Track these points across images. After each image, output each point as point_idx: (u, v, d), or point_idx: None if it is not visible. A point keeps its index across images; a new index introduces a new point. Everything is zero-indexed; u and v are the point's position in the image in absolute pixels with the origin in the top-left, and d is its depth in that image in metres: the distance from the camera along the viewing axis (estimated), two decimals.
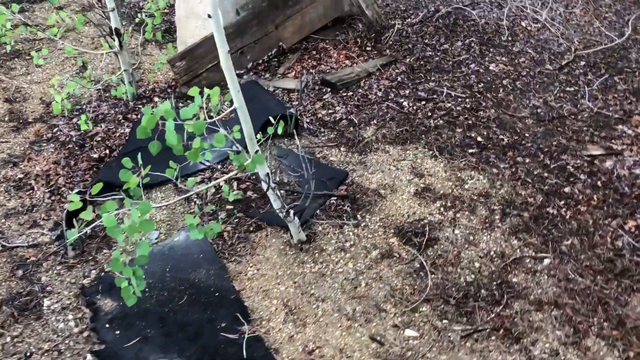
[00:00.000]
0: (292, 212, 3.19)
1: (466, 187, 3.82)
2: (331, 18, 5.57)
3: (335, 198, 3.68)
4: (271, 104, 4.32)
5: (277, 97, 4.62)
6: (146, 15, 4.80)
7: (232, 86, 2.72)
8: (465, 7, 6.08)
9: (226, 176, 3.11)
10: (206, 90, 2.55)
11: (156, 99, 4.65)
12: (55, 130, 4.37)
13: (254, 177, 3.76)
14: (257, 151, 2.88)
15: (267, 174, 3.01)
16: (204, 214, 3.54)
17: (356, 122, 4.42)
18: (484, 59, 5.36)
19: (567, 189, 3.80)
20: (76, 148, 4.15)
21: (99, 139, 4.22)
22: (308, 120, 4.41)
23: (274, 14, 5.06)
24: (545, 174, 3.94)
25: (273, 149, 4.08)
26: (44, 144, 4.25)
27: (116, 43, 4.17)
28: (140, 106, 4.54)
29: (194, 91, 2.41)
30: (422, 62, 5.25)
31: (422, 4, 6.19)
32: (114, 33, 4.13)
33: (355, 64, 5.09)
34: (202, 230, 2.62)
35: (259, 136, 3.39)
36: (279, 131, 3.10)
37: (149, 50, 5.50)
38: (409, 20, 5.90)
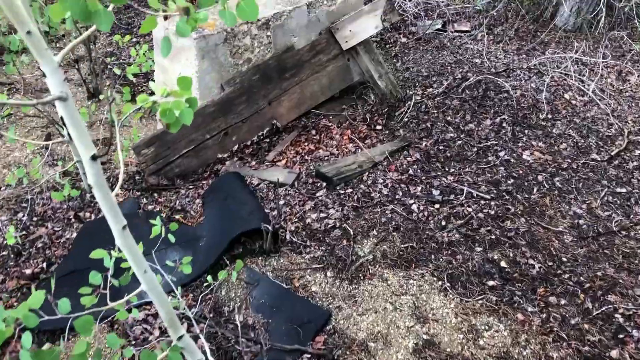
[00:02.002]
0: None
1: (481, 342, 2.95)
2: (337, 90, 4.80)
3: (309, 356, 2.86)
4: (247, 208, 3.55)
5: (258, 198, 3.85)
6: (114, 85, 4.12)
7: (136, 267, 1.95)
8: (498, 76, 5.22)
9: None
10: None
11: (119, 190, 3.94)
12: None
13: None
14: (181, 337, 2.11)
15: None
16: None
17: (352, 232, 3.61)
18: (516, 144, 4.49)
19: (614, 353, 2.89)
20: (12, 256, 3.47)
21: (41, 245, 3.53)
22: (293, 228, 3.62)
23: (266, 89, 4.32)
24: (586, 326, 3.04)
25: (243, 271, 3.30)
26: None
27: (65, 133, 3.49)
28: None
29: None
30: (440, 147, 4.41)
31: (448, 70, 5.36)
32: (61, 123, 3.44)
33: (359, 150, 4.29)
34: None
35: (209, 279, 2.63)
36: (235, 273, 2.34)
37: (126, 121, 4.83)
38: (431, 90, 5.07)
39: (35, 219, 3.72)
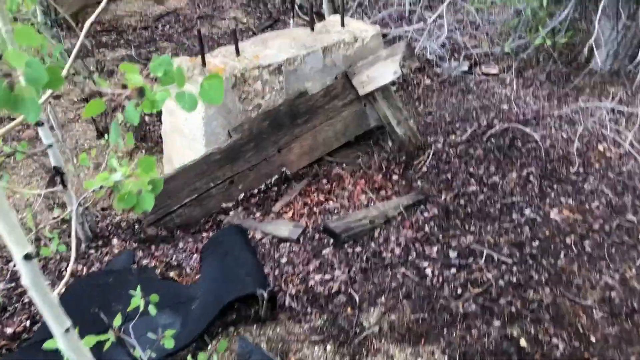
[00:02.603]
0: None
1: None
2: (352, 136, 4.56)
3: None
4: (246, 268, 3.31)
5: (260, 254, 3.60)
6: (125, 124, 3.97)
7: None
8: (527, 124, 4.91)
9: None
10: None
11: (115, 241, 3.75)
12: None
13: None
14: None
15: None
16: None
17: (357, 298, 3.32)
18: (543, 200, 4.16)
19: None
20: None
21: (27, 300, 3.35)
22: (294, 292, 3.36)
23: (277, 135, 4.11)
24: None
25: (235, 340, 3.05)
26: None
27: (58, 182, 3.33)
28: (93, 251, 3.65)
29: None
30: (461, 202, 4.11)
31: (473, 116, 5.07)
32: (54, 172, 3.29)
33: (372, 203, 4.02)
34: None
35: None
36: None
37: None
38: (454, 137, 4.79)
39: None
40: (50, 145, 3.19)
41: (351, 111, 4.47)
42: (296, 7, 6.19)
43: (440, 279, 3.47)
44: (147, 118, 5.14)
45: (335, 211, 3.98)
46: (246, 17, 7.53)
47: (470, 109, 5.18)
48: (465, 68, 5.67)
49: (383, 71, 4.24)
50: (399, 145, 4.57)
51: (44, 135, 3.16)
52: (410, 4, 6.96)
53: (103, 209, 4.09)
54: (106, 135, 4.69)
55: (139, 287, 2.34)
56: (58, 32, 5.93)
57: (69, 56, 5.14)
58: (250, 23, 7.32)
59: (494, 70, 5.61)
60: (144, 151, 4.77)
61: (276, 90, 4.11)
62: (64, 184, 3.36)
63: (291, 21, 6.06)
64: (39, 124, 3.08)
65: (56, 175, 3.31)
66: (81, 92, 4.76)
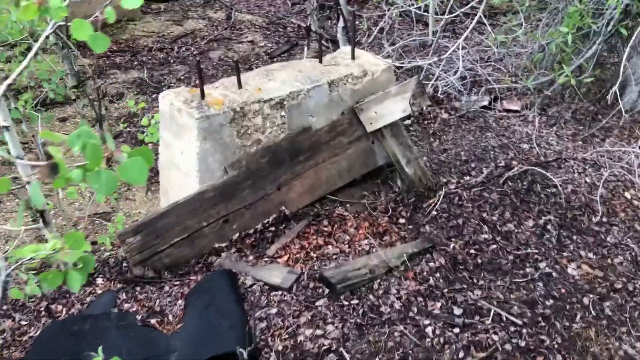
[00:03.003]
0: None
1: None
2: (358, 175, 4.32)
3: None
4: (230, 321, 3.08)
5: (248, 303, 3.37)
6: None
7: None
8: (548, 167, 4.60)
9: None
10: None
11: (99, 280, 3.57)
12: None
13: None
14: None
15: None
16: None
17: (348, 359, 3.06)
18: (561, 253, 3.85)
19: None
20: None
21: (1, 341, 3.17)
22: (280, 348, 3.11)
23: (276, 172, 3.90)
24: None
25: None
26: None
27: (39, 220, 3.17)
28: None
29: None
30: (471, 251, 3.83)
31: (490, 155, 4.78)
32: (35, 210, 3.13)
33: (374, 249, 3.76)
34: None
35: None
36: None
37: (131, 193, 4.51)
38: (468, 179, 4.51)
39: (5, 307, 3.38)
40: (28, 182, 3.03)
41: (358, 148, 4.23)
42: (312, 33, 6.01)
43: (442, 340, 3.18)
44: (150, 145, 4.98)
45: (334, 257, 3.73)
46: (264, 40, 7.38)
47: (488, 147, 4.89)
48: (485, 103, 5.39)
49: (392, 108, 4.00)
50: (408, 185, 4.31)
51: (24, 171, 3.00)
52: (432, 32, 6.72)
53: (93, 243, 3.92)
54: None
55: (100, 349, 2.13)
56: (69, 52, 5.85)
57: (79, 77, 5.00)
58: (267, 47, 7.17)
59: (515, 106, 5.32)
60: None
61: (278, 125, 3.90)
62: (45, 221, 3.20)
63: (305, 49, 5.88)
64: (19, 157, 2.92)
65: (38, 213, 3.14)
66: (82, 118, 4.63)
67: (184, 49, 7.09)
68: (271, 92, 3.86)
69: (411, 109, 3.91)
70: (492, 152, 4.82)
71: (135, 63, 6.67)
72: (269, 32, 7.63)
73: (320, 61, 4.30)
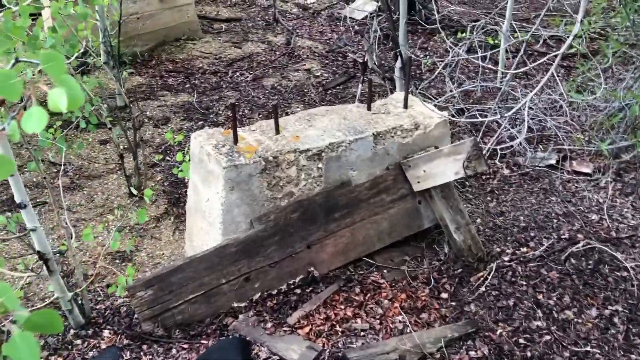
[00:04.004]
0: None
1: None
2: (399, 237, 3.90)
3: None
4: None
5: None
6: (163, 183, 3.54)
7: None
8: (619, 244, 4.03)
9: None
10: None
11: (106, 332, 3.31)
12: None
13: None
14: None
15: None
16: None
17: None
18: (628, 354, 3.29)
19: None
20: None
21: None
22: None
23: (307, 229, 3.55)
24: None
25: None
26: None
27: (44, 268, 2.94)
28: (80, 342, 3.22)
29: None
30: (520, 341, 3.33)
31: (553, 224, 4.25)
32: (38, 257, 2.90)
33: (408, 329, 3.33)
34: None
35: None
36: None
37: (158, 230, 4.26)
38: (524, 250, 4.00)
39: None
40: (33, 229, 2.80)
41: (401, 208, 3.82)
42: (369, 68, 5.65)
43: None
44: (185, 179, 4.75)
45: (362, 334, 3.32)
46: (321, 69, 7.09)
47: (552, 214, 4.36)
48: (553, 161, 4.85)
49: (443, 169, 3.58)
50: (455, 253, 3.85)
51: (27, 219, 2.77)
52: (501, 74, 6.22)
53: (108, 285, 3.67)
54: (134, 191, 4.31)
55: None
56: (119, 72, 5.73)
57: (128, 97, 4.79)
58: (323, 77, 6.86)
59: (586, 168, 4.75)
60: (172, 218, 4.35)
61: (313, 177, 3.55)
62: (49, 269, 2.96)
63: (359, 87, 5.53)
64: (21, 206, 2.70)
65: (41, 261, 2.92)
66: (117, 147, 4.44)
67: (238, 73, 6.88)
68: (309, 141, 3.53)
69: (464, 172, 3.48)
70: (555, 221, 4.28)
71: (187, 86, 6.51)
72: (327, 61, 7.32)
73: (369, 108, 3.93)
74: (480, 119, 3.89)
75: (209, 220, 3.51)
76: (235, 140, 3.46)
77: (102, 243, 4.08)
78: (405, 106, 3.94)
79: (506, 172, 4.88)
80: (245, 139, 3.55)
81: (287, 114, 5.96)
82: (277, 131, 3.62)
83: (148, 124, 5.67)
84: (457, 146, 3.51)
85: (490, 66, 5.40)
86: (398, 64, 4.99)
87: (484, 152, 3.47)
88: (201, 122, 5.76)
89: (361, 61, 5.49)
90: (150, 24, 7.33)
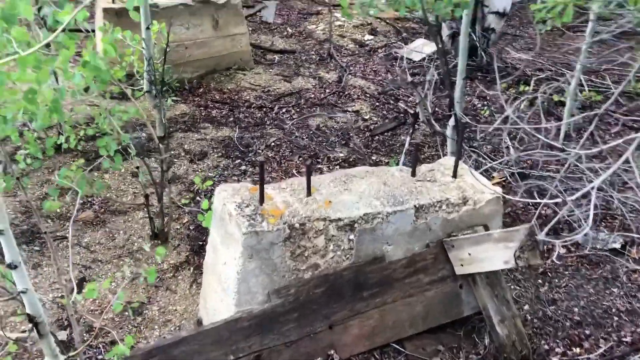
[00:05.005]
0: None
1: None
2: (435, 324, 3.48)
3: None
4: None
5: None
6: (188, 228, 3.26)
7: None
8: None
9: None
10: None
11: None
12: None
13: None
14: None
15: None
16: None
17: None
18: None
19: None
20: None
21: None
22: None
23: (330, 307, 3.18)
24: None
25: None
26: None
27: (34, 332, 2.67)
28: None
29: None
30: None
31: (613, 322, 3.73)
32: (29, 320, 2.64)
33: None
34: None
35: None
36: None
37: (175, 281, 3.97)
38: (577, 351, 3.50)
39: None
40: (23, 292, 2.54)
41: (440, 292, 3.40)
42: (420, 120, 5.29)
43: None
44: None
45: None
46: (371, 112, 6.74)
47: (612, 309, 3.84)
48: (617, 246, 4.32)
49: (491, 255, 3.15)
50: (497, 348, 3.39)
51: (18, 280, 2.51)
52: (564, 135, 5.72)
53: (113, 342, 3.40)
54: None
55: None
56: (161, 101, 5.56)
57: (169, 128, 4.58)
58: (372, 121, 6.52)
59: None
60: (192, 268, 4.07)
61: (343, 250, 3.19)
62: (39, 333, 2.69)
63: (407, 140, 5.16)
64: (11, 266, 2.44)
65: (32, 325, 2.65)
66: (143, 188, 4.20)
67: (284, 110, 6.63)
68: (342, 208, 3.17)
69: (515, 262, 3.04)
70: (615, 318, 3.76)
71: (231, 119, 6.29)
72: (378, 104, 6.98)
73: (414, 173, 3.55)
74: (539, 200, 3.45)
75: (224, 286, 3.19)
76: (262, 201, 3.15)
77: (114, 290, 3.83)
78: (455, 175, 3.54)
79: (562, 250, 4.38)
80: (273, 199, 3.23)
81: (328, 158, 5.65)
82: (309, 193, 3.28)
83: (184, 158, 5.45)
84: (510, 232, 3.08)
85: (554, 144, 4.92)
86: (451, 122, 4.60)
87: (539, 242, 3.02)
88: (239, 160, 5.51)
89: (412, 111, 5.12)
90: (202, 52, 7.20)
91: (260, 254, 3.01)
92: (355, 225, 3.16)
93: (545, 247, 4.34)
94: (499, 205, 3.46)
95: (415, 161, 3.57)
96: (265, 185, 3.38)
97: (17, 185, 4.12)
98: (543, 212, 4.47)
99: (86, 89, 4.82)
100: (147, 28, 5.21)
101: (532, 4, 4.36)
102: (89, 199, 4.71)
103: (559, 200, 3.29)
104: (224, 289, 3.19)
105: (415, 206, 3.26)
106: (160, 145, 3.84)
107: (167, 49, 5.58)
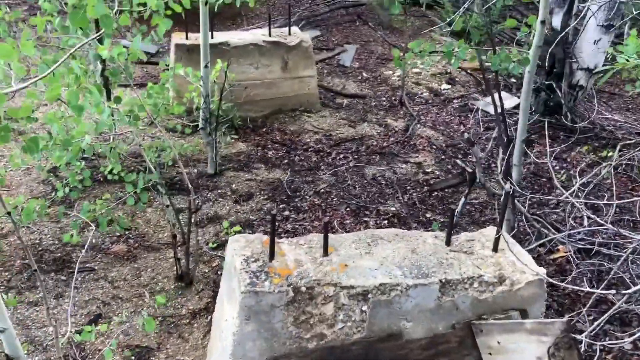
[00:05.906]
0: None
1: None
2: None
3: None
4: None
5: None
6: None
7: None
8: None
9: None
10: None
11: None
12: None
13: None
14: None
15: None
16: None
17: None
18: None
19: None
20: None
21: None
22: None
23: None
24: None
25: None
26: None
27: None
28: None
29: None
30: None
31: None
32: None
33: None
34: None
35: None
36: None
37: (190, 328, 3.78)
38: None
39: None
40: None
41: None
42: (477, 181, 4.88)
43: None
44: None
45: None
46: (434, 165, 6.38)
47: None
48: None
49: (523, 347, 2.71)
50: None
51: (7, 344, 2.42)
52: None
53: None
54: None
55: None
56: (214, 138, 5.54)
57: (220, 165, 4.52)
58: (434, 175, 6.15)
59: None
60: (209, 317, 3.87)
61: (354, 321, 2.87)
62: None
63: (461, 201, 4.76)
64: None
65: None
66: (170, 228, 4.10)
67: (342, 156, 6.41)
68: (357, 275, 2.87)
69: None
70: None
71: (285, 161, 6.16)
72: (444, 157, 6.60)
73: (448, 242, 3.19)
74: (587, 289, 2.95)
75: (223, 344, 2.96)
76: (271, 257, 2.92)
77: (127, 331, 3.70)
78: (495, 249, 3.14)
79: (628, 347, 3.77)
80: (285, 256, 2.99)
81: (377, 212, 5.33)
82: (325, 253, 3.01)
83: (229, 198, 5.35)
84: (544, 325, 2.64)
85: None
86: (507, 187, 4.17)
87: (579, 342, 2.55)
88: (284, 204, 5.33)
89: (470, 171, 4.74)
90: (269, 92, 7.18)
91: (259, 317, 2.76)
92: (369, 295, 2.84)
93: (588, 319, 3.78)
94: (542, 289, 3.00)
95: (451, 228, 3.21)
96: (282, 240, 3.16)
97: (63, 213, 4.16)
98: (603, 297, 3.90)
99: (151, 123, 4.84)
100: (206, 66, 5.22)
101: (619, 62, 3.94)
102: (127, 232, 4.67)
103: (631, 305, 2.78)
104: (223, 348, 2.96)
105: (440, 281, 2.90)
106: (189, 186, 3.72)
107: (226, 88, 5.58)
